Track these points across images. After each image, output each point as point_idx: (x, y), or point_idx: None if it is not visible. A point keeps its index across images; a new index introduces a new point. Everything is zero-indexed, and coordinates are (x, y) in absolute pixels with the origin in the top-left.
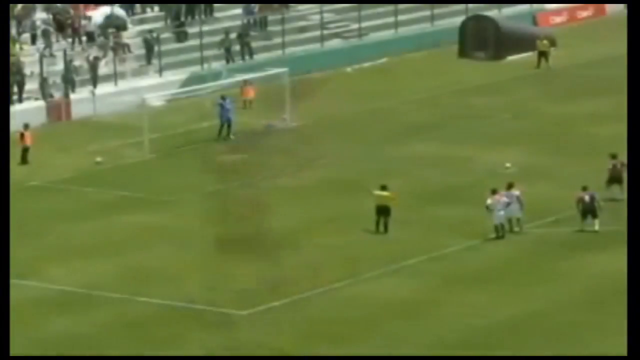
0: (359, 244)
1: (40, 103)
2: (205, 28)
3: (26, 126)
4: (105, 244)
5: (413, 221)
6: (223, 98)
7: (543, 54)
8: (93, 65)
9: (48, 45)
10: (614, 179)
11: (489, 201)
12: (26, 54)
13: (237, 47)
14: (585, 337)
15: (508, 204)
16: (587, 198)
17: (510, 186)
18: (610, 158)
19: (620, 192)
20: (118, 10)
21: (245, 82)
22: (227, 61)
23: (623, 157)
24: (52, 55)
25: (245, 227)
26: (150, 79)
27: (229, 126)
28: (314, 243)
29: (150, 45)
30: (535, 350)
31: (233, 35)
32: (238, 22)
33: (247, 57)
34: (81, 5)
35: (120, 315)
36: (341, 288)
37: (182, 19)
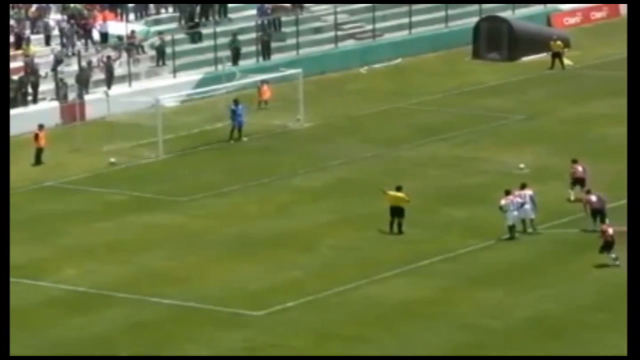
0: (373, 244)
1: (55, 104)
2: (220, 29)
3: (40, 127)
4: (119, 244)
5: (427, 222)
6: (236, 103)
7: (557, 55)
8: (107, 66)
9: (72, 44)
10: (576, 181)
11: (502, 202)
12: (40, 55)
13: (252, 48)
14: (597, 338)
15: (521, 205)
16: (594, 199)
17: (523, 187)
18: (572, 163)
19: (580, 192)
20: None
21: (263, 82)
22: (234, 62)
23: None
24: (67, 56)
25: (259, 228)
26: (164, 80)
27: (239, 130)
28: (328, 244)
29: (161, 49)
30: (548, 351)
31: (244, 37)
32: (252, 23)
33: (261, 58)
34: (99, 14)
35: (134, 315)
36: (355, 289)
37: (196, 20)
